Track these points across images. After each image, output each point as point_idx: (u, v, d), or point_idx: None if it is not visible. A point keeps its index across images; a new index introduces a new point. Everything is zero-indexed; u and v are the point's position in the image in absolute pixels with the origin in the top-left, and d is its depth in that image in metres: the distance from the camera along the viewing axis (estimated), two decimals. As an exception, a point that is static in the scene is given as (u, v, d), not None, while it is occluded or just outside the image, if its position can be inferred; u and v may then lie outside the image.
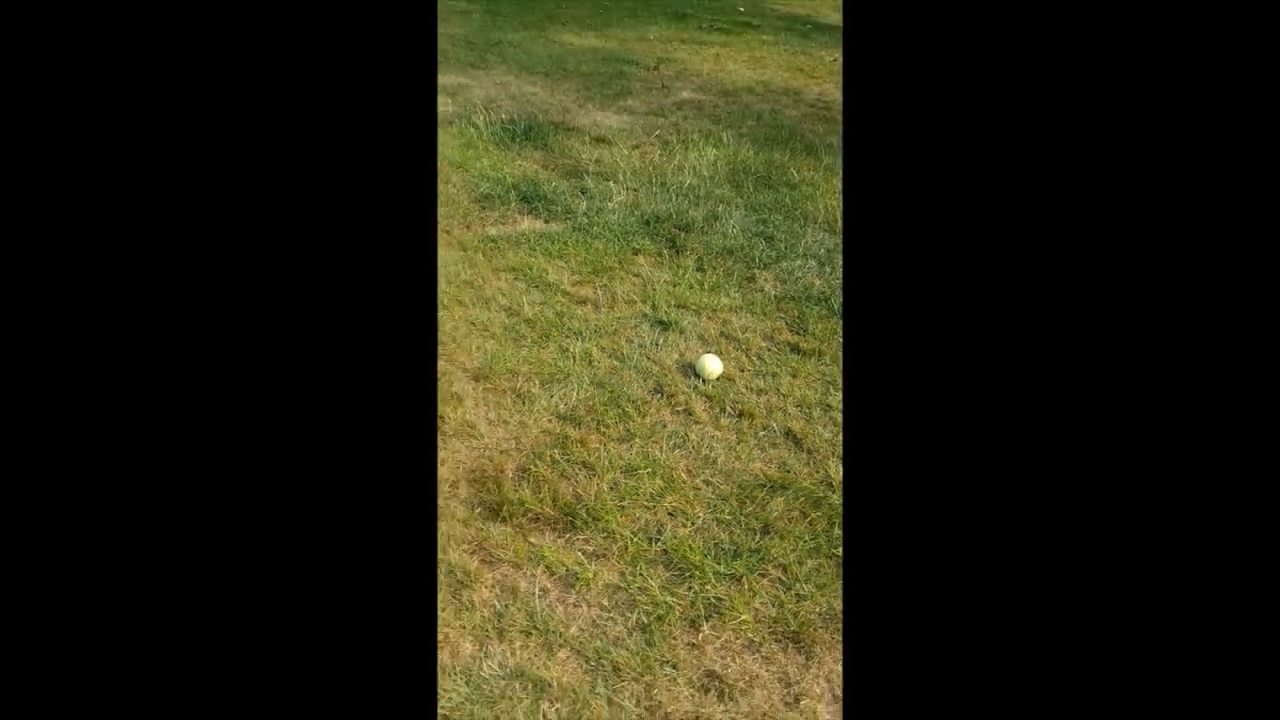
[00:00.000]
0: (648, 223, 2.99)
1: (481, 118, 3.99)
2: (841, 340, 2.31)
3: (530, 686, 1.33)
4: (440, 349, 2.20)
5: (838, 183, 3.42)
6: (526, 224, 3.00)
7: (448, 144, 3.64)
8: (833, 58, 5.65)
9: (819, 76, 5.24)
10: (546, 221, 3.02)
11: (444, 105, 4.20)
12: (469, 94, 4.46)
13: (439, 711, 1.29)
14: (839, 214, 3.11)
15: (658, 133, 4.01)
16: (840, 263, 2.73)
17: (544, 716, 1.30)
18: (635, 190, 3.28)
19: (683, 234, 2.92)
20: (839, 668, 1.40)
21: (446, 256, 2.69)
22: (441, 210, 3.03)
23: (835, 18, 7.19)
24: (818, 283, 2.64)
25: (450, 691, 1.32)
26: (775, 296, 2.56)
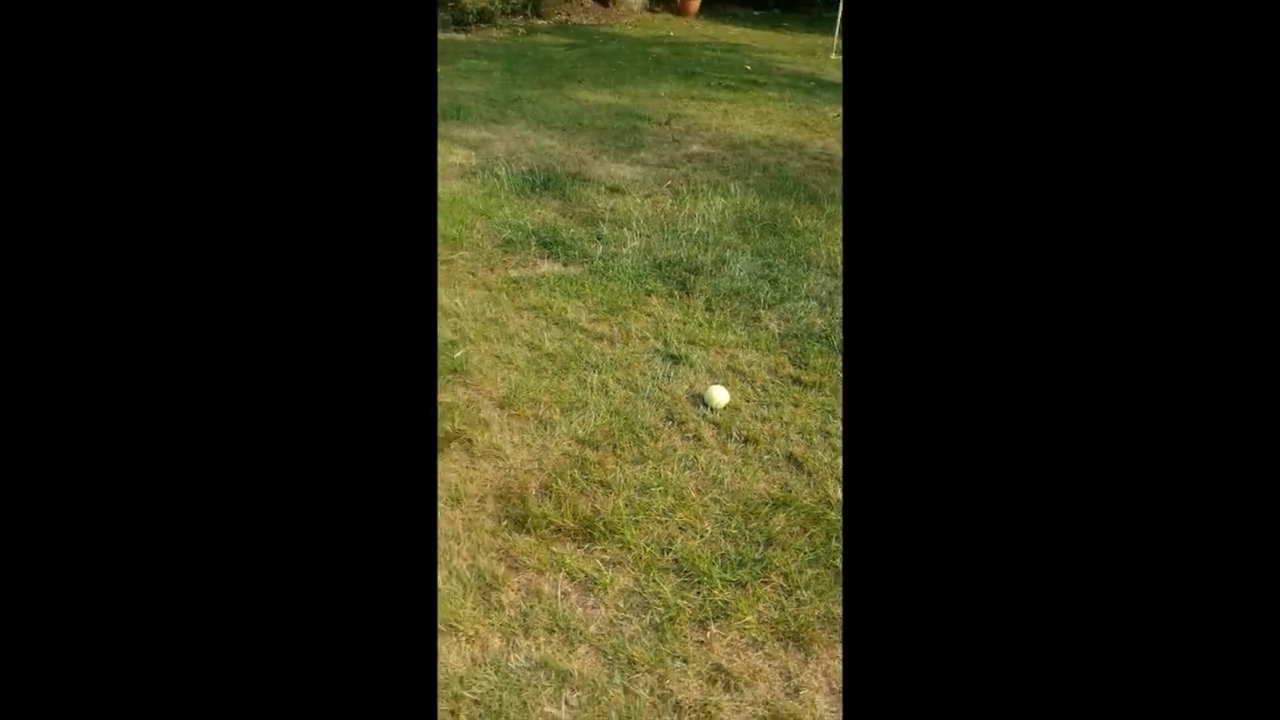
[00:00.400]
0: (659, 266, 3.17)
1: (503, 169, 4.21)
2: (841, 374, 2.46)
3: (553, 676, 1.47)
4: (467, 380, 2.37)
5: (839, 230, 3.60)
6: (546, 267, 3.18)
7: (472, 193, 3.86)
8: (835, 113, 5.86)
9: (822, 131, 5.45)
10: (565, 265, 3.20)
11: (467, 158, 4.43)
12: (491, 147, 4.70)
13: (472, 697, 1.43)
14: (839, 259, 3.27)
15: (669, 183, 4.20)
16: (840, 303, 2.89)
17: (565, 703, 1.43)
18: (648, 236, 3.47)
19: (692, 277, 3.09)
20: (835, 664, 1.52)
21: (473, 296, 2.88)
22: (467, 254, 3.23)
23: (838, 75, 7.41)
24: (819, 322, 2.80)
25: (481, 680, 1.46)
26: (779, 334, 2.72)
